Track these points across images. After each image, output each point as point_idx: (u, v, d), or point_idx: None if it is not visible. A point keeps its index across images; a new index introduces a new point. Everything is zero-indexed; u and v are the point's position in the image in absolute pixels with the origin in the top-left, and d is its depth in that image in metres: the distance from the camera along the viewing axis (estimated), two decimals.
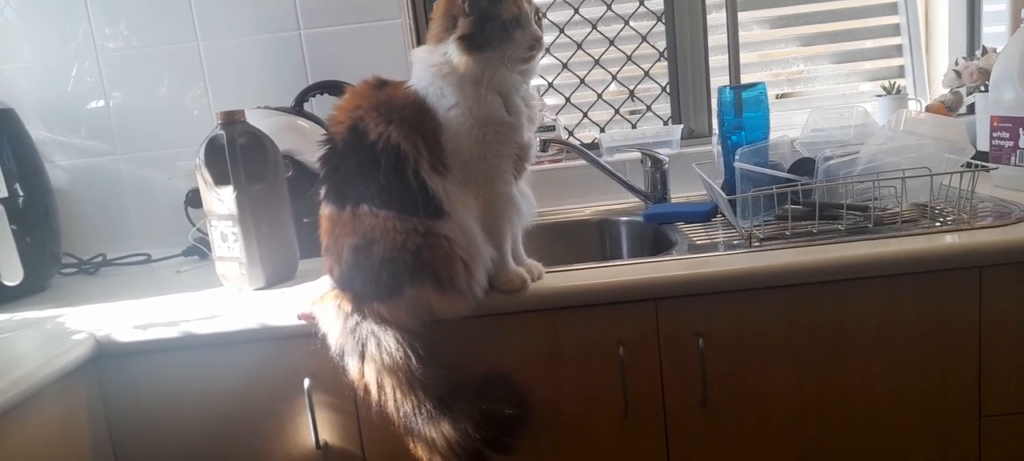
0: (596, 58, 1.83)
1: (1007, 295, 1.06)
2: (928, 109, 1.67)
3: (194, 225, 1.54)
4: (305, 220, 1.33)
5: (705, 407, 1.09)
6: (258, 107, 1.49)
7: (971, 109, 1.63)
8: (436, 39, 1.00)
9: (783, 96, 1.93)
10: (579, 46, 1.83)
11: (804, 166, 1.29)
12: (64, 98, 1.65)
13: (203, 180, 1.24)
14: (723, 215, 1.38)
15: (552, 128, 1.75)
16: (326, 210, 1.02)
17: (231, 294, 1.24)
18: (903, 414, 1.10)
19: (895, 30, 1.89)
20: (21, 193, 1.39)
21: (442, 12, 0.99)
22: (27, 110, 1.59)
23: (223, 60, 1.63)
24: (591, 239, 1.61)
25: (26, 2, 1.61)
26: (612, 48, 1.83)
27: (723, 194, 1.30)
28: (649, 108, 1.86)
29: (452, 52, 0.96)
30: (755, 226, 1.21)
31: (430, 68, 0.99)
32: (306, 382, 1.08)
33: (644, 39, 1.82)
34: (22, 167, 1.41)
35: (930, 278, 1.06)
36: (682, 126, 1.79)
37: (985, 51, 1.60)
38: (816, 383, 1.10)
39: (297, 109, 1.52)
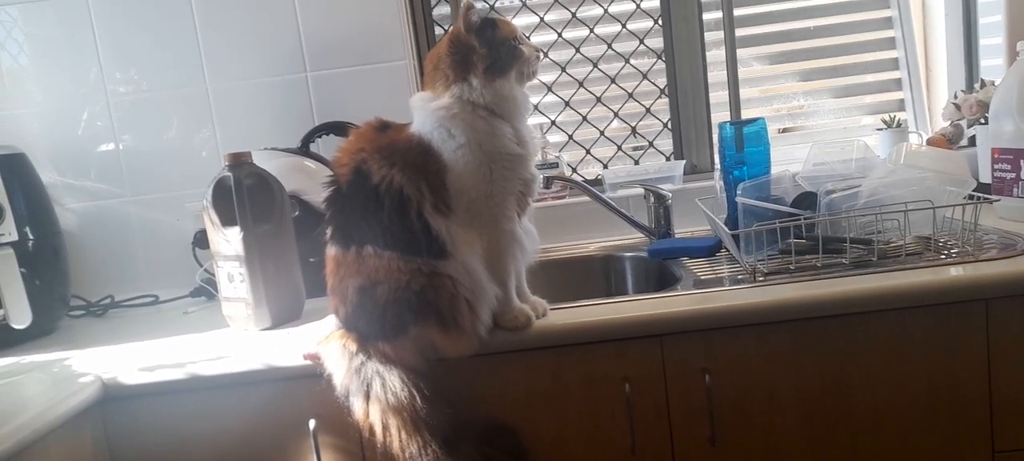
0: (598, 96, 1.86)
1: (1015, 328, 1.05)
2: (929, 142, 1.68)
3: (202, 266, 1.55)
4: (311, 260, 1.34)
5: (714, 444, 1.08)
6: (265, 148, 1.51)
7: (972, 141, 1.64)
8: (447, 84, 1.03)
9: (784, 131, 1.94)
10: (581, 84, 1.85)
11: (806, 200, 1.30)
12: (75, 141, 1.68)
13: (210, 221, 1.25)
14: (727, 250, 1.38)
15: (555, 165, 1.77)
16: (331, 251, 1.03)
17: (237, 335, 1.24)
18: (914, 451, 1.09)
19: (894, 64, 1.91)
20: (31, 236, 1.40)
21: (448, 60, 1.03)
22: (38, 154, 1.61)
23: (231, 102, 1.66)
24: (596, 275, 1.61)
25: (39, 48, 1.65)
26: (613, 86, 1.85)
27: (726, 229, 1.30)
28: (651, 144, 1.88)
29: (479, 85, 1.01)
30: (759, 260, 1.21)
31: (436, 112, 1.01)
32: (312, 423, 1.07)
33: (645, 76, 1.84)
34: (32, 210, 1.43)
35: (937, 311, 1.06)
36: (684, 162, 1.80)
37: (983, 84, 1.62)
38: (824, 418, 1.09)
39: (304, 150, 1.54)
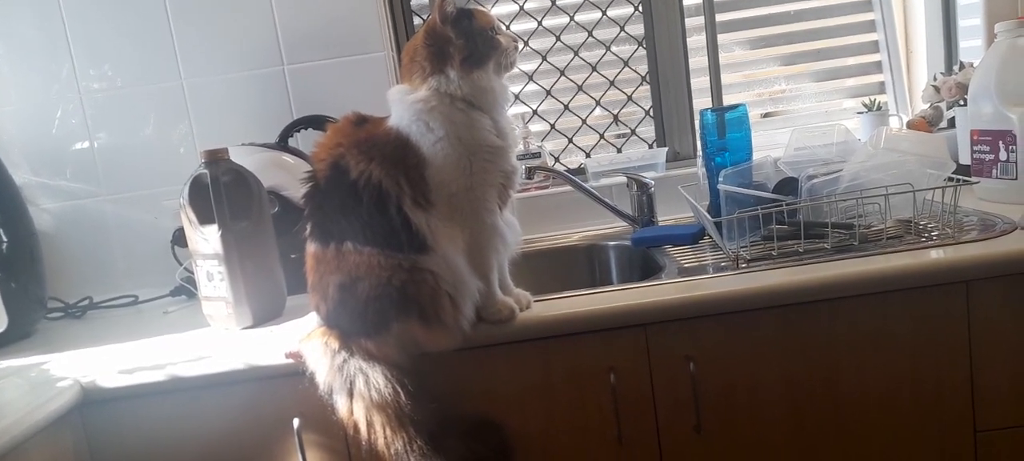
0: (579, 84, 1.85)
1: (995, 308, 1.07)
2: (909, 125, 1.69)
3: (181, 265, 1.53)
4: (292, 256, 1.32)
5: (699, 432, 1.09)
6: (243, 144, 1.49)
7: (952, 123, 1.65)
8: (424, 76, 1.02)
9: (766, 116, 1.95)
10: (562, 72, 1.84)
11: (788, 186, 1.30)
12: (49, 140, 1.64)
13: (188, 219, 1.23)
14: (710, 237, 1.38)
15: (538, 155, 1.76)
16: (311, 248, 1.02)
17: (218, 334, 1.23)
18: (898, 432, 1.10)
19: (874, 47, 1.92)
20: (5, 238, 1.38)
21: (425, 52, 1.02)
22: (12, 153, 1.58)
23: (208, 98, 1.63)
24: (579, 265, 1.61)
25: (9, 45, 1.61)
26: (595, 73, 1.84)
27: (709, 216, 1.30)
28: (633, 132, 1.87)
29: (456, 77, 1.00)
30: (742, 247, 1.21)
31: (414, 105, 1.00)
32: (296, 421, 1.06)
33: (626, 64, 1.83)
34: (6, 211, 1.40)
35: (918, 294, 1.06)
36: (667, 149, 1.80)
37: (962, 66, 1.63)
38: (810, 402, 1.09)
39: (282, 145, 1.52)
